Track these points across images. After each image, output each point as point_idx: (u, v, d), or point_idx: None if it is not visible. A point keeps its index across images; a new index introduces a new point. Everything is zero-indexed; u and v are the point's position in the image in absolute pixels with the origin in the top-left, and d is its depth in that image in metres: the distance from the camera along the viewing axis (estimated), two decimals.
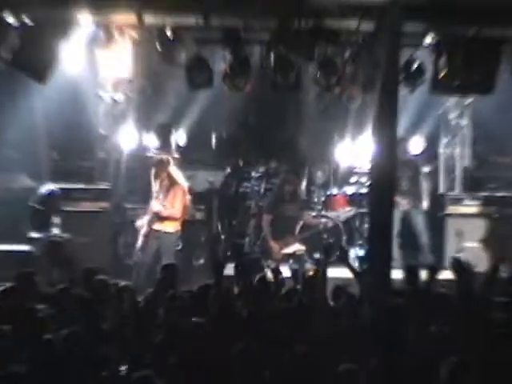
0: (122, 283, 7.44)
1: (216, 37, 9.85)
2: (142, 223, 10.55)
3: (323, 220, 12.12)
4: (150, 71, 11.34)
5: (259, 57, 10.46)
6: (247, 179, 12.88)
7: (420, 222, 11.97)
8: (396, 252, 11.17)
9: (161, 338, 5.96)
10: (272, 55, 9.93)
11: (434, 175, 12.75)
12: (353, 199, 12.77)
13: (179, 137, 13.01)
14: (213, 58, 10.15)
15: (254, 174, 12.87)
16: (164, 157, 10.80)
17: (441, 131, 12.79)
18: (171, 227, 10.46)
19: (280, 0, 9.23)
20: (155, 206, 10.40)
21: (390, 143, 6.96)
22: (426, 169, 12.48)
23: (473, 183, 12.48)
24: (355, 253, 11.94)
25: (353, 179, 13.04)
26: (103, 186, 11.89)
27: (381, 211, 7.03)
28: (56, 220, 11.13)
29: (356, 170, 13.01)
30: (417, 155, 12.40)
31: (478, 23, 9.54)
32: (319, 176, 12.84)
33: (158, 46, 9.78)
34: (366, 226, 11.65)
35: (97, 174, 12.03)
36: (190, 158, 12.91)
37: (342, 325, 6.29)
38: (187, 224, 11.32)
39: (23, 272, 7.40)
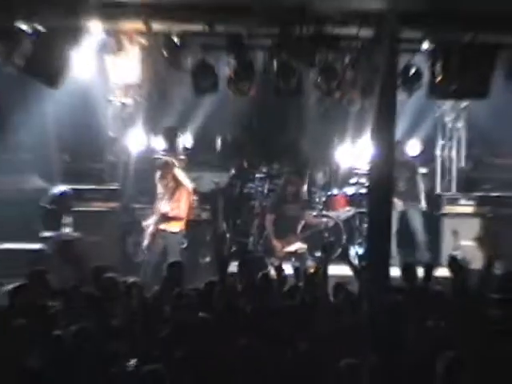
0: (131, 280, 7.43)
1: (221, 43, 9.83)
2: (148, 223, 10.56)
3: (324, 219, 12.11)
4: (158, 76, 11.32)
5: (262, 62, 10.44)
6: (251, 180, 12.86)
7: (417, 221, 11.95)
8: (394, 250, 11.18)
9: (167, 333, 5.95)
10: (275, 61, 9.91)
11: (430, 176, 12.76)
12: (353, 199, 12.75)
13: (186, 139, 13.04)
14: (218, 63, 10.12)
15: (257, 175, 12.86)
16: (169, 159, 10.79)
17: (437, 134, 12.78)
18: (176, 227, 10.45)
19: (282, 8, 9.20)
20: (162, 207, 10.40)
21: (388, 145, 6.93)
22: (423, 170, 12.48)
23: (468, 184, 12.47)
24: (355, 251, 11.94)
25: (353, 180, 13.02)
26: (113, 186, 11.89)
27: (379, 211, 7.00)
28: (67, 219, 11.14)
29: (356, 172, 12.99)
30: (414, 157, 12.41)
31: (473, 30, 9.52)
32: (320, 177, 12.84)
33: (165, 53, 9.77)
34: (366, 225, 11.60)
35: (106, 175, 12.04)
36: (196, 159, 12.91)
37: (342, 321, 6.27)
38: (193, 223, 11.33)
39: (35, 270, 7.40)
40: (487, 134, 12.30)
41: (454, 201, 12.21)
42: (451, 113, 12.49)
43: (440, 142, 12.78)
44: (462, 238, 11.65)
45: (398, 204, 11.46)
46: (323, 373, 5.36)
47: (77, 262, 8.03)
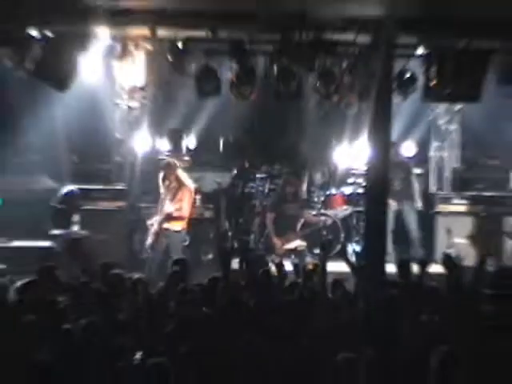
0: (136, 276, 7.41)
1: (223, 49, 9.81)
2: (151, 222, 10.54)
3: (322, 218, 12.10)
4: (162, 80, 11.30)
5: (263, 67, 10.42)
6: (252, 180, 12.85)
7: (412, 220, 11.93)
8: (390, 247, 11.16)
9: (172, 328, 5.93)
10: (275, 66, 9.89)
11: (425, 176, 12.74)
12: (350, 199, 12.74)
13: (189, 141, 13.05)
14: (220, 68, 10.10)
15: (258, 175, 12.85)
16: (171, 161, 10.78)
17: (431, 136, 12.76)
18: (179, 226, 10.46)
19: (283, 15, 9.18)
20: (167, 207, 10.38)
21: (384, 147, 6.92)
22: (417, 170, 12.46)
23: (461, 184, 12.44)
24: (352, 248, 11.93)
25: (350, 180, 13.00)
26: (119, 186, 11.89)
27: (376, 210, 6.99)
28: (76, 218, 11.14)
29: (353, 172, 12.97)
30: (409, 158, 12.39)
31: (466, 36, 9.50)
32: (319, 177, 12.83)
33: (170, 58, 9.75)
34: (363, 223, 11.60)
35: (113, 175, 12.02)
36: (199, 160, 12.95)
37: (340, 317, 6.25)
38: (196, 222, 11.33)
39: (44, 266, 7.37)
40: (480, 136, 12.27)
41: (447, 200, 12.20)
42: (445, 115, 12.47)
43: (434, 144, 12.76)
44: (456, 235, 11.65)
45: (392, 204, 11.44)
46: (322, 367, 5.33)
47: (85, 259, 8.02)
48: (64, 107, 11.20)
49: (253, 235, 12.13)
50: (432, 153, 12.79)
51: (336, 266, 8.08)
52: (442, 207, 12.13)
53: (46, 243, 10.74)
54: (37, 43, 9.45)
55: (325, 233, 11.98)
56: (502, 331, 5.74)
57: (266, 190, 12.68)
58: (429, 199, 12.33)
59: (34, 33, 9.41)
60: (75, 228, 11.05)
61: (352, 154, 12.82)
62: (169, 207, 10.35)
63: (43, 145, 11.90)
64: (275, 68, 9.89)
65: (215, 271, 7.42)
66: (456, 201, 12.12)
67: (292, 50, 9.55)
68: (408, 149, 12.41)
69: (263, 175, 12.83)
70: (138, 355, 5.57)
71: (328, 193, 12.72)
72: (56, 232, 10.82)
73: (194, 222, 11.08)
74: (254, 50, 9.91)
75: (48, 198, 11.18)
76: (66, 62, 9.54)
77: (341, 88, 10.07)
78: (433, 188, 12.67)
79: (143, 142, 12.13)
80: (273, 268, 7.88)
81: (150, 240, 10.49)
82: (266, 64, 10.36)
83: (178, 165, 10.66)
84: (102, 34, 9.48)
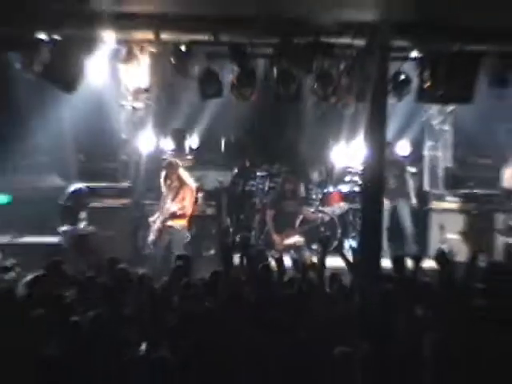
0: (141, 271, 7.40)
1: (225, 52, 9.80)
2: (154, 219, 10.53)
3: (320, 215, 12.08)
4: (166, 82, 11.29)
5: (263, 70, 10.43)
6: (253, 179, 12.83)
7: (406, 216, 11.92)
8: (385, 243, 11.14)
9: (175, 322, 5.91)
10: (275, 68, 9.88)
11: (419, 175, 12.73)
12: (347, 196, 12.72)
13: (192, 141, 13.07)
14: (222, 71, 10.09)
15: (258, 174, 12.84)
16: (173, 160, 10.76)
17: (425, 136, 12.75)
18: (181, 223, 10.41)
19: (282, 19, 9.17)
20: (170, 206, 10.34)
21: (379, 146, 6.91)
22: (412, 169, 12.45)
23: (454, 182, 12.44)
24: (349, 244, 11.90)
25: (347, 178, 12.99)
26: (125, 184, 11.88)
27: (372, 207, 6.98)
28: (83, 215, 11.14)
29: (350, 170, 12.96)
30: (404, 157, 12.39)
31: (459, 40, 9.49)
32: (317, 176, 12.82)
33: (173, 60, 9.73)
34: (359, 219, 11.59)
35: (119, 174, 12.01)
36: (201, 159, 12.95)
37: (337, 311, 6.24)
38: (199, 219, 11.33)
39: (52, 260, 7.35)
40: (472, 136, 12.27)
41: (440, 197, 12.20)
42: (438, 116, 12.47)
43: (428, 143, 12.74)
44: (448, 231, 11.65)
45: (385, 203, 11.42)
46: (319, 360, 5.32)
47: (91, 255, 8.01)
48: (71, 109, 11.20)
49: (253, 231, 12.13)
50: (426, 152, 12.77)
51: (333, 261, 8.07)
52: (435, 204, 12.13)
53: (54, 239, 10.74)
54: (45, 47, 9.44)
55: (322, 229, 11.97)
56: (493, 324, 5.73)
57: (266, 188, 12.67)
58: (423, 197, 12.32)
59: (42, 37, 9.40)
60: (82, 225, 11.04)
61: (349, 154, 12.82)
62: (172, 206, 10.31)
63: (51, 146, 11.93)
64: (275, 70, 9.88)
65: (216, 266, 7.41)
66: (449, 198, 12.12)
67: (291, 53, 9.54)
68: (403, 148, 12.41)
69: (263, 174, 12.82)
70: (143, 347, 5.56)
71: (325, 190, 12.72)
72: (63, 228, 10.83)
73: (196, 219, 11.07)
74: (254, 53, 9.90)
75: (56, 196, 11.20)
76: (74, 64, 9.53)
77: (338, 89, 10.05)
78: (427, 186, 12.66)
79: (147, 142, 12.12)
80: (272, 263, 7.86)
81: (152, 236, 10.46)
82: (265, 66, 10.37)
83: (179, 164, 10.62)
84: (108, 38, 9.47)
